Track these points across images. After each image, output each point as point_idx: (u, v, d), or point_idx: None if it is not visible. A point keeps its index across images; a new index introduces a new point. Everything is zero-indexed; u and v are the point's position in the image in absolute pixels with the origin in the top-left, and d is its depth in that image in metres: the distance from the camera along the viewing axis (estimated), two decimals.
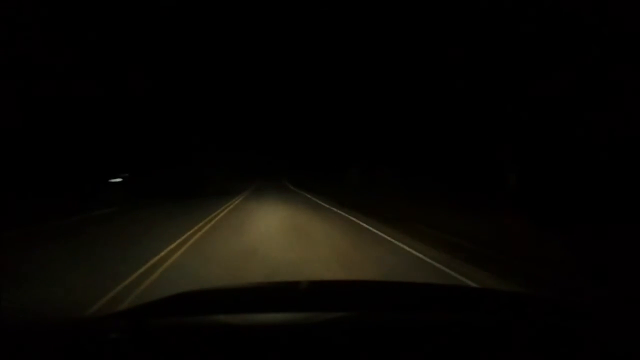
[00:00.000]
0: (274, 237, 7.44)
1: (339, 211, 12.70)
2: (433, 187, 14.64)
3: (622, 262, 4.83)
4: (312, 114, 36.36)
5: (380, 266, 5.49)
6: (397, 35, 16.11)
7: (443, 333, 1.04)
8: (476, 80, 12.19)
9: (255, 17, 34.60)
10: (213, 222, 9.63)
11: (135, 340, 1.00)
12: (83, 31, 14.91)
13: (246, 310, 1.30)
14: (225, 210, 12.55)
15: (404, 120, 17.94)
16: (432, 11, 13.50)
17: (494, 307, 1.38)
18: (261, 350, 0.90)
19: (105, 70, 16.94)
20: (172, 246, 6.46)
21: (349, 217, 11.18)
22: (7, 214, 9.48)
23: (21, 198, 12.15)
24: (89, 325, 1.27)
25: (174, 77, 24.95)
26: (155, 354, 0.92)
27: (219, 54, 35.96)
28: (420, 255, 6.09)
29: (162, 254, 5.87)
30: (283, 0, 30.08)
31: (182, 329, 1.09)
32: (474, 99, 12.56)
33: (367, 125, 22.35)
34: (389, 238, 7.66)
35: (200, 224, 9.14)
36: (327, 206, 14.64)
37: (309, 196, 20.68)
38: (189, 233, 7.78)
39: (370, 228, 8.99)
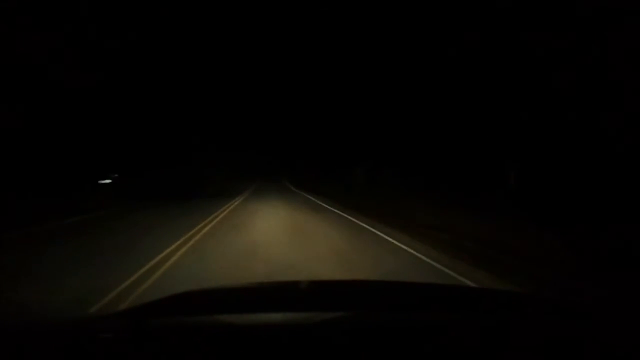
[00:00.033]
0: (274, 251, 6.10)
1: (349, 217, 11.06)
2: (438, 187, 14.49)
3: (622, 262, 4.84)
4: (314, 113, 36.07)
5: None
6: (399, 33, 16.11)
7: (443, 333, 1.04)
8: (477, 80, 12.20)
9: (256, 17, 34.57)
10: (202, 233, 7.97)
11: (135, 340, 1.00)
12: (83, 28, 14.87)
13: (246, 310, 1.30)
14: (221, 216, 11.01)
15: (406, 120, 17.84)
16: (435, 11, 13.51)
17: (493, 307, 1.38)
18: (261, 350, 0.90)
19: (102, 67, 16.83)
20: (149, 266, 5.07)
21: (362, 224, 9.63)
22: None
23: None
24: (89, 325, 1.27)
25: (173, 77, 24.89)
26: (155, 354, 0.92)
27: (219, 53, 35.94)
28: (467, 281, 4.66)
29: (127, 283, 4.33)
30: (283, 0, 30.02)
31: (182, 329, 1.09)
32: (475, 99, 12.57)
33: (371, 124, 22.14)
34: (415, 253, 6.18)
35: (187, 235, 7.50)
36: (335, 210, 13.13)
37: (312, 198, 19.11)
38: (170, 249, 6.17)
39: (391, 239, 7.44)
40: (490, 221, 8.11)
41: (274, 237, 7.47)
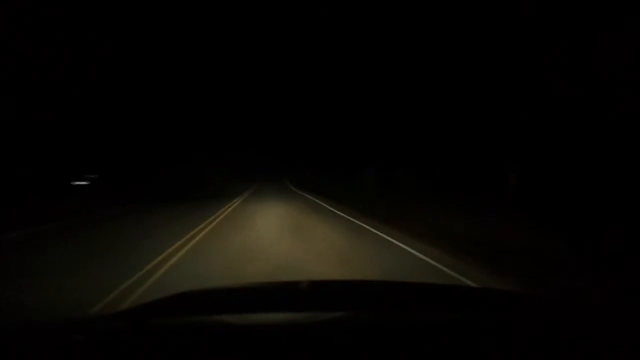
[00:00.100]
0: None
1: (372, 229, 8.67)
2: (452, 188, 14.23)
3: (622, 262, 4.83)
4: (317, 111, 35.08)
5: None
6: (401, 31, 16.08)
7: (443, 333, 1.04)
8: (478, 81, 12.21)
9: (256, 14, 34.41)
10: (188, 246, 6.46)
11: (135, 340, 1.00)
12: (83, 30, 14.83)
13: (247, 310, 1.31)
14: (208, 228, 8.57)
15: (414, 120, 17.54)
16: (437, 11, 13.50)
17: (493, 307, 1.38)
18: (261, 350, 0.90)
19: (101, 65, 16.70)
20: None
21: (386, 236, 7.70)
22: None
23: None
24: (89, 325, 1.27)
25: (172, 77, 24.81)
26: (156, 354, 0.92)
27: (220, 52, 35.77)
28: None
29: None
30: None
31: (182, 329, 1.09)
32: (478, 99, 12.58)
33: (376, 124, 21.52)
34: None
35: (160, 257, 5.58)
36: (348, 216, 11.11)
37: (317, 200, 17.18)
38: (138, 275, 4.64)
39: (434, 262, 5.51)
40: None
41: (275, 259, 5.54)
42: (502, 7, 10.46)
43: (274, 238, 7.34)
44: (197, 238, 7.28)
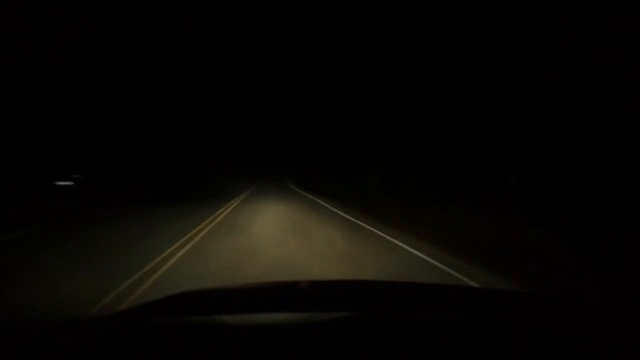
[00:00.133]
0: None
1: (387, 236, 7.80)
2: (446, 188, 14.05)
3: (622, 262, 4.84)
4: (319, 110, 34.35)
5: None
6: (401, 30, 16.05)
7: (444, 333, 1.04)
8: (478, 80, 12.21)
9: (256, 13, 34.19)
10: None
11: (135, 340, 1.00)
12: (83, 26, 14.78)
13: (247, 310, 1.31)
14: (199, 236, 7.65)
15: (412, 120, 17.31)
16: (436, 11, 13.49)
17: (494, 307, 1.38)
18: (261, 350, 0.90)
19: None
20: None
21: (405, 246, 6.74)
22: None
23: None
24: (89, 325, 1.27)
25: (173, 78, 24.77)
26: (156, 354, 0.92)
27: (220, 51, 35.61)
28: None
29: None
30: None
31: (182, 329, 1.09)
32: (478, 99, 12.57)
33: (376, 123, 21.05)
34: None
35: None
36: (357, 221, 10.16)
37: (322, 202, 16.13)
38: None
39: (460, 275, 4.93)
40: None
41: (275, 263, 5.38)
42: (502, 8, 10.47)
43: (273, 241, 7.04)
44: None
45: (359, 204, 13.83)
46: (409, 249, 6.52)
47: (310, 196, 20.11)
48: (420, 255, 6.02)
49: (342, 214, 11.92)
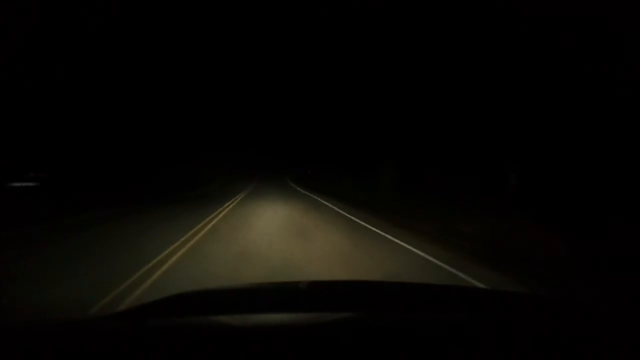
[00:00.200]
0: None
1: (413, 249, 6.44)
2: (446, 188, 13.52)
3: (622, 261, 4.83)
4: (320, 108, 33.68)
5: None
6: (402, 31, 16.01)
7: (444, 333, 1.04)
8: (479, 80, 12.20)
9: (256, 10, 33.95)
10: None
11: (135, 341, 1.00)
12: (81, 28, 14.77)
13: (246, 310, 1.30)
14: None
15: (414, 119, 17.03)
16: (435, 12, 13.48)
17: (495, 308, 1.38)
18: (261, 351, 0.90)
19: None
20: None
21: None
22: None
23: None
24: (89, 325, 1.27)
25: (173, 77, 24.71)
26: (155, 354, 0.92)
27: (221, 50, 35.49)
28: None
29: None
30: None
31: (182, 330, 1.09)
32: (477, 99, 12.57)
33: (378, 122, 20.39)
34: None
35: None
36: (372, 228, 8.70)
37: (329, 204, 14.35)
38: None
39: None
40: None
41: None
42: (503, 8, 10.47)
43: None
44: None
45: (371, 206, 12.39)
46: (460, 274, 4.86)
47: (314, 196, 18.91)
48: (480, 284, 4.43)
49: (363, 223, 9.59)
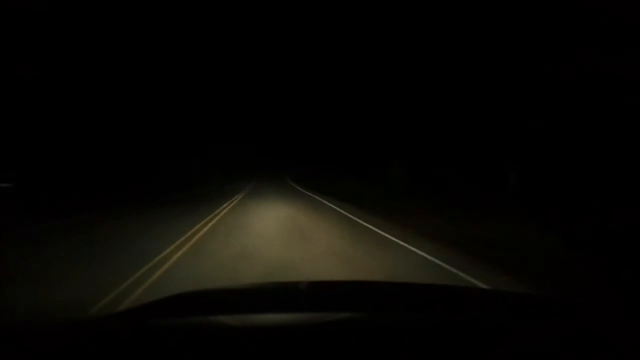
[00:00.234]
0: None
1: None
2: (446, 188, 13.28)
3: (622, 261, 4.84)
4: (321, 107, 33.17)
5: None
6: (400, 31, 16.00)
7: (445, 334, 1.04)
8: (480, 80, 12.21)
9: (259, 4, 33.70)
10: None
11: (135, 341, 1.00)
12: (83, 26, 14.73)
13: (246, 311, 1.30)
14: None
15: (416, 119, 16.95)
16: (434, 12, 13.48)
17: (495, 308, 1.38)
18: (261, 351, 0.90)
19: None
20: None
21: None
22: None
23: None
24: (89, 325, 1.26)
25: (173, 75, 24.56)
26: (155, 354, 0.92)
27: (221, 49, 35.27)
28: None
29: None
30: None
31: (182, 330, 1.09)
32: (477, 99, 12.57)
33: (380, 121, 20.04)
34: None
35: None
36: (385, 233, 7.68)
37: (336, 208, 12.89)
38: None
39: None
40: None
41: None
42: (503, 9, 10.47)
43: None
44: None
45: (383, 209, 11.27)
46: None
47: (315, 196, 17.99)
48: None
49: (379, 231, 8.11)
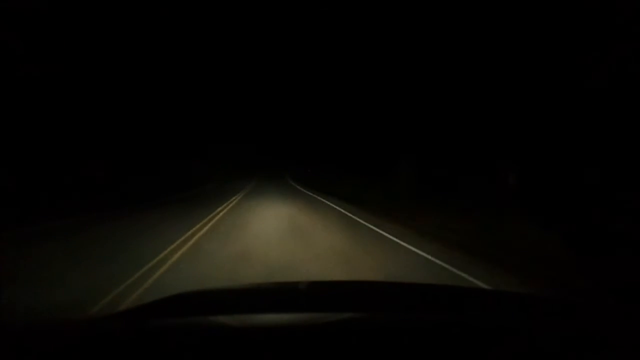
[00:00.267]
0: None
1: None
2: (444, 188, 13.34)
3: (622, 261, 4.83)
4: (324, 104, 32.76)
5: None
6: (399, 31, 15.99)
7: (445, 334, 1.04)
8: (480, 80, 12.21)
9: (255, 6, 33.62)
10: None
11: (135, 341, 1.00)
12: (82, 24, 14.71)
13: (246, 311, 1.30)
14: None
15: (418, 115, 16.75)
16: (434, 12, 13.47)
17: (495, 308, 1.38)
18: (261, 351, 0.90)
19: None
20: None
21: None
22: None
23: None
24: (89, 325, 1.26)
25: (171, 74, 24.50)
26: (155, 355, 0.92)
27: (221, 47, 35.24)
28: None
29: None
30: None
31: (182, 330, 1.09)
32: (477, 99, 12.57)
33: (382, 121, 19.79)
34: None
35: None
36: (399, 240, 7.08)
37: (339, 208, 12.45)
38: None
39: None
40: None
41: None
42: (503, 9, 10.48)
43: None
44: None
45: (384, 209, 10.92)
46: None
47: (319, 197, 17.34)
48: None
49: (380, 231, 8.04)
